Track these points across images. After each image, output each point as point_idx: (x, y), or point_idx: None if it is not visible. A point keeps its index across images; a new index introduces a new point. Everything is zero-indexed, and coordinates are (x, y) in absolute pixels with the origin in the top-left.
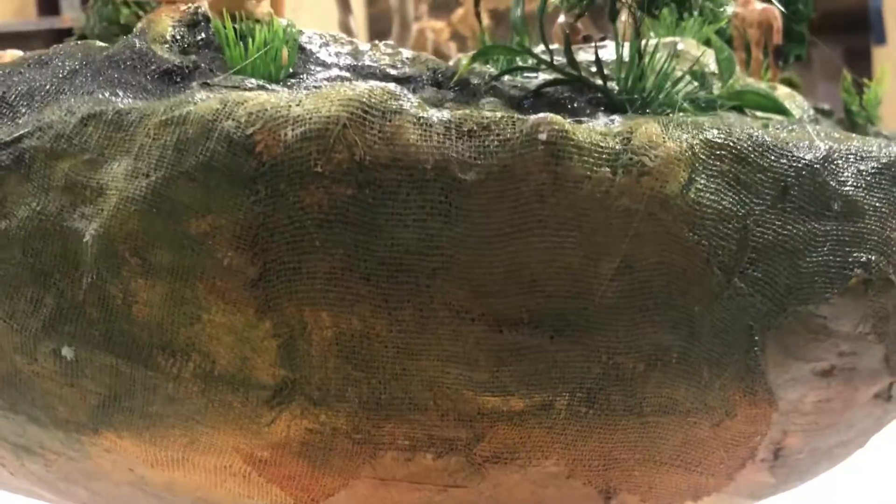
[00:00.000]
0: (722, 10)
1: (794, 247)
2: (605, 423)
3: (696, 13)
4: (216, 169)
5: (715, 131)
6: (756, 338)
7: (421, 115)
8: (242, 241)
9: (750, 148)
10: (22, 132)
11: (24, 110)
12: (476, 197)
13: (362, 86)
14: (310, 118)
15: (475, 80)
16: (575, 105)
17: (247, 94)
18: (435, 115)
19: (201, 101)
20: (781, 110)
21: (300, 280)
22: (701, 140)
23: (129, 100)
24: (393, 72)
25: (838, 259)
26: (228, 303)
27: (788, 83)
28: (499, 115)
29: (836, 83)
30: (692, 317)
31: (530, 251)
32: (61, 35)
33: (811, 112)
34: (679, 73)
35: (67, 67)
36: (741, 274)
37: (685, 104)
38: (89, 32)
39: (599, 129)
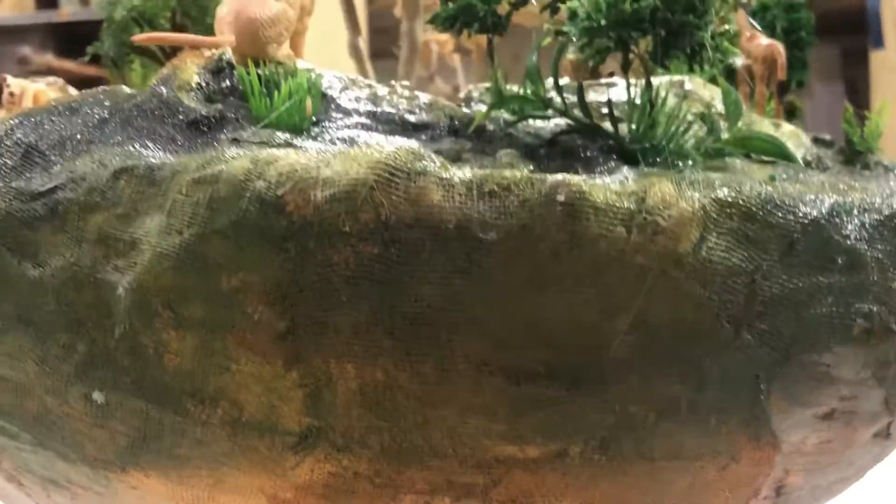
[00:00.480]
0: (731, 60)
1: (799, 299)
2: (616, 468)
3: (706, 64)
4: (248, 227)
5: (725, 190)
6: (762, 386)
7: (444, 175)
8: (272, 296)
9: (759, 205)
10: (56, 183)
11: (56, 160)
12: (496, 255)
13: (388, 147)
14: (339, 180)
15: (491, 126)
16: (588, 153)
17: (276, 152)
18: (457, 175)
19: (232, 159)
20: (787, 157)
21: (327, 334)
22: (712, 199)
23: (160, 152)
24: (411, 118)
25: (841, 310)
26: (257, 354)
27: (790, 107)
28: (518, 175)
29: (833, 84)
30: (701, 368)
31: (548, 307)
32: (59, 29)
33: (814, 150)
34: (689, 119)
35: (97, 116)
36: (749, 326)
37: (695, 154)
38: (104, 55)
39: (615, 187)
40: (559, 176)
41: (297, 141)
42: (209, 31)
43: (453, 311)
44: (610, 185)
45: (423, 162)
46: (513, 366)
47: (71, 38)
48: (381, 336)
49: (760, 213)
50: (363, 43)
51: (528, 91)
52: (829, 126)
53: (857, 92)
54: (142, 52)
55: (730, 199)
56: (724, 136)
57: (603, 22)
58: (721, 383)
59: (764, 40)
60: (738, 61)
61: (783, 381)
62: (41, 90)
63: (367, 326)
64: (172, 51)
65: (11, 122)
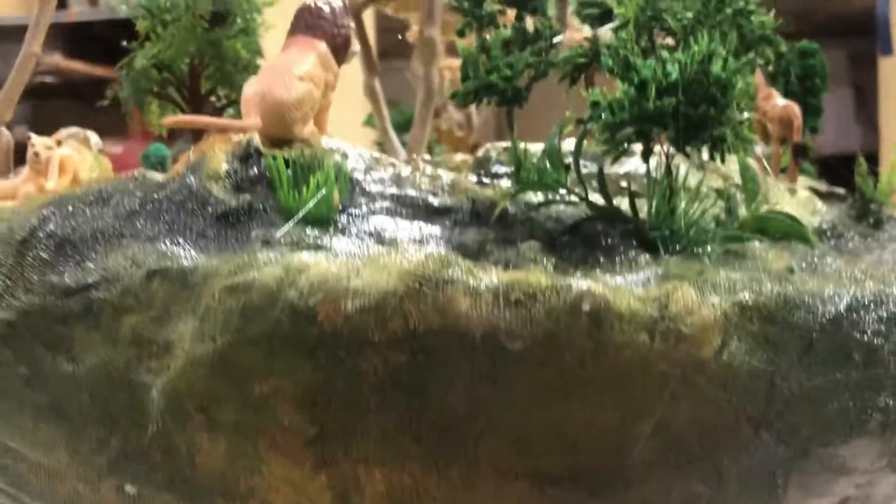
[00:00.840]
0: (750, 146)
1: (817, 396)
2: None
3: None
4: (280, 336)
5: (746, 294)
6: (779, 481)
7: (471, 283)
8: (302, 403)
9: (778, 307)
10: (90, 281)
11: (89, 254)
12: (522, 364)
13: (417, 255)
14: (369, 291)
15: (513, 209)
16: (609, 241)
17: (307, 259)
18: (484, 281)
19: (264, 265)
20: (803, 238)
21: (355, 439)
22: (733, 303)
23: (192, 251)
24: (435, 202)
25: (858, 404)
26: (287, 458)
27: (803, 147)
28: (543, 282)
29: (841, 89)
30: (721, 468)
31: (572, 413)
32: (67, 29)
33: (827, 215)
34: (707, 199)
35: (127, 207)
36: (768, 426)
37: (714, 240)
38: (123, 99)
39: (638, 292)
40: (584, 284)
41: (326, 239)
42: (225, 73)
43: (479, 418)
44: (633, 291)
45: (451, 269)
46: (537, 471)
47: (79, 39)
48: (409, 442)
49: (780, 314)
50: (378, 84)
51: (550, 178)
52: (835, 134)
53: (865, 97)
54: (160, 95)
55: (751, 303)
56: (742, 212)
57: (626, 117)
58: (740, 481)
59: (780, 101)
60: (759, 149)
61: (800, 474)
62: (67, 156)
63: (395, 433)
64: (192, 94)
65: (44, 212)
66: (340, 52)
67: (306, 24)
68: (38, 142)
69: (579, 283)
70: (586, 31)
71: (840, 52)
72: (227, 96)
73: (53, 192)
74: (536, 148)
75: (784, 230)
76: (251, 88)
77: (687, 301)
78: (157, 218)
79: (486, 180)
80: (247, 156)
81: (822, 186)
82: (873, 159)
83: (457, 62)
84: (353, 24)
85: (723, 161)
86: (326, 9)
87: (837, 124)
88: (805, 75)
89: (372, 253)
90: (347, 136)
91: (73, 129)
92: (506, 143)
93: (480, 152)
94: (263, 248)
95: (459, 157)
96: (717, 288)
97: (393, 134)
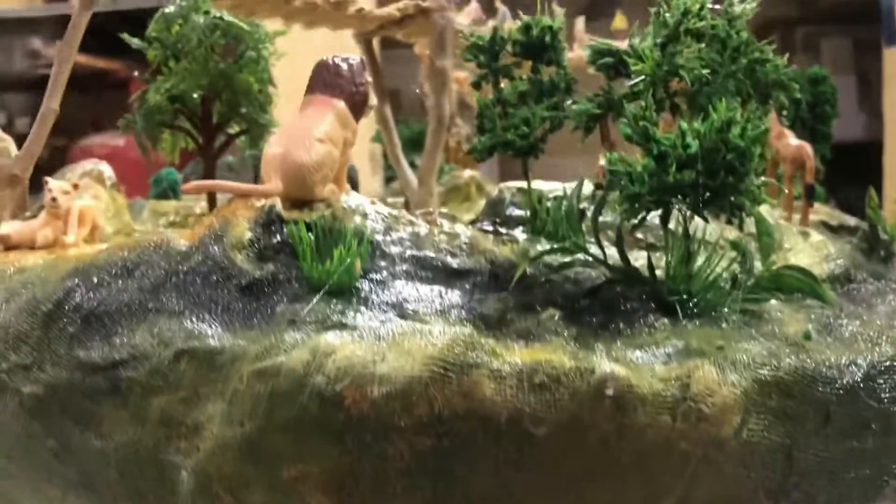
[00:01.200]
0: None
1: (834, 466)
2: None
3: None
4: (307, 421)
5: (766, 370)
6: None
7: (495, 366)
8: (330, 486)
9: (796, 381)
10: (117, 358)
11: (115, 328)
12: (547, 447)
13: (442, 339)
14: (394, 377)
15: (531, 270)
16: (628, 306)
17: (333, 341)
18: (507, 364)
19: (291, 348)
20: (818, 295)
21: None
22: (752, 380)
23: (218, 328)
24: (454, 264)
25: (874, 471)
26: None
27: (813, 189)
28: (567, 364)
29: (845, 76)
30: None
31: (595, 493)
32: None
33: (840, 258)
34: (723, 261)
35: (152, 279)
36: (785, 497)
37: (731, 301)
38: (137, 131)
39: (660, 372)
40: (607, 366)
41: (350, 314)
42: (234, 104)
43: (505, 501)
44: (655, 370)
45: (475, 352)
46: None
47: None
48: None
49: (798, 388)
50: (389, 110)
51: (569, 240)
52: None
53: (870, 85)
54: (172, 126)
55: (769, 379)
56: (758, 265)
57: (645, 190)
58: None
59: (793, 140)
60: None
61: None
62: (86, 207)
63: None
64: (204, 124)
65: (69, 283)
66: (359, 109)
67: (324, 82)
68: (54, 186)
69: (602, 365)
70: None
71: (844, 38)
72: (237, 123)
73: (74, 245)
74: (549, 187)
75: (799, 288)
76: (272, 150)
77: (708, 381)
78: (182, 291)
79: (501, 229)
80: (269, 222)
81: (832, 210)
82: (877, 148)
83: (464, 74)
84: (370, 79)
85: (741, 229)
86: (344, 66)
87: (842, 113)
88: (815, 102)
89: (396, 332)
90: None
91: (87, 166)
92: (519, 184)
93: (494, 192)
94: (289, 327)
95: (467, 173)
96: (736, 365)
97: (405, 163)
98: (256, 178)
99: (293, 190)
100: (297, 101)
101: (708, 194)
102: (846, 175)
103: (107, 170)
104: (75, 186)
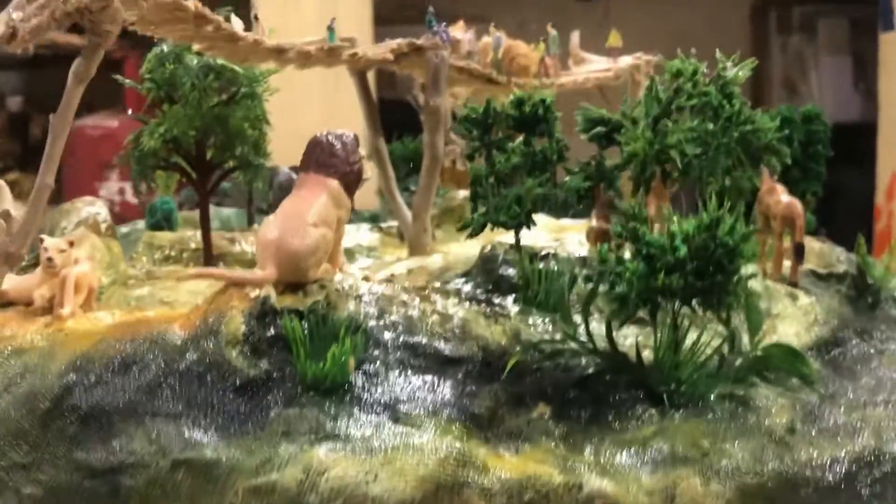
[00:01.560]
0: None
1: None
2: None
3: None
4: None
5: (749, 476)
6: None
7: (485, 484)
8: None
9: (779, 486)
10: (116, 463)
11: (113, 430)
12: None
13: (434, 457)
14: (387, 499)
15: (523, 356)
16: (617, 396)
17: (325, 458)
18: (497, 480)
19: (286, 462)
20: (804, 377)
21: None
22: (737, 488)
23: (214, 436)
24: (446, 351)
25: None
26: None
27: (802, 247)
28: (556, 480)
29: (840, 56)
30: None
31: None
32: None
33: (826, 327)
34: (709, 347)
35: (148, 377)
36: None
37: (719, 386)
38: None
39: (647, 483)
40: (595, 482)
41: (343, 421)
42: (228, 141)
43: None
44: (642, 482)
45: (465, 469)
46: None
47: None
48: None
49: (781, 494)
50: (382, 141)
51: (560, 334)
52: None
53: (865, 66)
54: (166, 168)
55: (753, 486)
56: (746, 343)
57: (634, 292)
58: None
59: (784, 197)
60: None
61: None
62: (83, 273)
63: None
64: (198, 162)
65: (67, 379)
66: (352, 186)
67: (318, 161)
68: (50, 245)
69: (590, 481)
70: (587, 62)
71: (841, 19)
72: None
73: (71, 316)
74: (541, 243)
75: (785, 369)
76: (268, 236)
77: (693, 493)
78: (178, 393)
79: (495, 299)
80: (263, 314)
81: (823, 243)
82: (871, 129)
83: (457, 89)
84: (363, 155)
85: (727, 325)
86: (338, 145)
87: (837, 94)
88: (808, 141)
89: (388, 445)
90: None
91: (83, 212)
92: (510, 241)
93: (487, 249)
94: (283, 439)
95: (461, 194)
96: (720, 474)
97: (400, 199)
98: (251, 202)
99: (288, 276)
100: (295, 101)
101: (696, 294)
102: (841, 156)
103: (102, 212)
104: (71, 244)
